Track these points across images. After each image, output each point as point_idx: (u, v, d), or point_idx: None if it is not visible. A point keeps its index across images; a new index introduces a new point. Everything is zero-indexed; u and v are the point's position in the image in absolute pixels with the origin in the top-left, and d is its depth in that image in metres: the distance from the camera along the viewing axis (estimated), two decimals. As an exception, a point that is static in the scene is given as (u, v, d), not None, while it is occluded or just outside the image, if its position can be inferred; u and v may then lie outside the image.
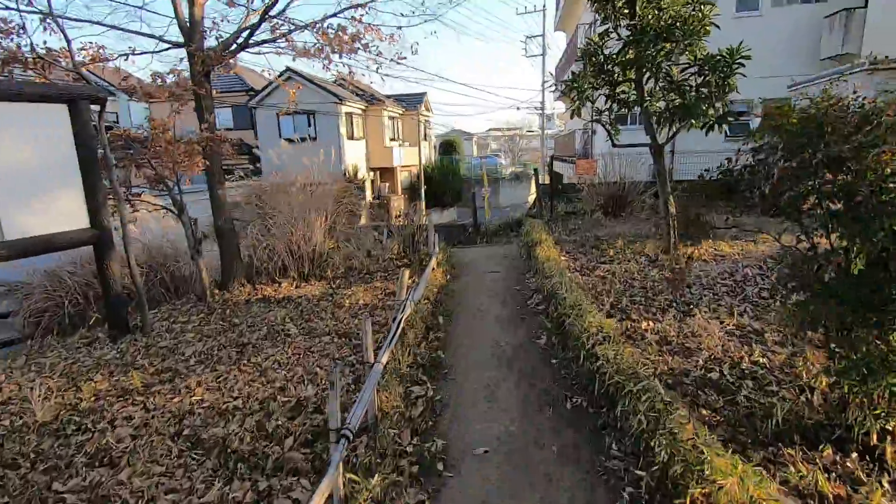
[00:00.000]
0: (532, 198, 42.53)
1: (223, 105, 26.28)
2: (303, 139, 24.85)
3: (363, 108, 26.77)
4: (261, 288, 7.50)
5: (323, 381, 4.54)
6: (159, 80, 7.08)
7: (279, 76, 24.50)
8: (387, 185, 28.78)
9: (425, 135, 32.28)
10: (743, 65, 7.40)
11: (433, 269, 7.76)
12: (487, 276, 8.31)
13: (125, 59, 7.77)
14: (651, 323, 5.71)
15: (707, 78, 7.42)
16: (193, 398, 4.37)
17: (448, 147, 41.67)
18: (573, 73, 8.37)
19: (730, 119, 7.40)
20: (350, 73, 10.05)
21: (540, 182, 13.34)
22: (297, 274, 7.79)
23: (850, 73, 11.14)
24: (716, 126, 7.49)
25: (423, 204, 29.47)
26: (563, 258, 8.41)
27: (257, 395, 4.36)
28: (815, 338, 4.56)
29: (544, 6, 29.84)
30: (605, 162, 13.20)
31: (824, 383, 4.06)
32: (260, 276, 7.81)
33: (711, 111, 7.35)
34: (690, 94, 7.48)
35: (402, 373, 4.45)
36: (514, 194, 41.83)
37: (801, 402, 4.03)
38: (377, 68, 8.78)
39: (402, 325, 4.96)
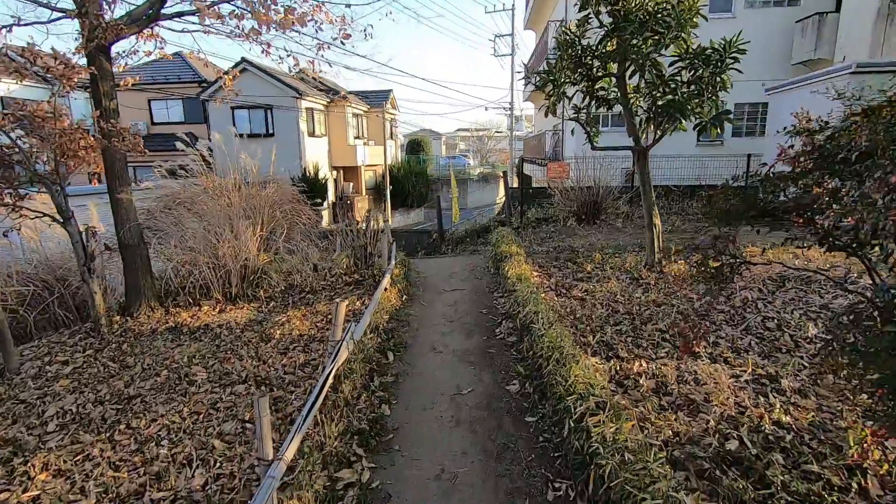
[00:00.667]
0: (501, 200, 41.69)
1: (173, 97, 24.37)
2: (259, 135, 23.19)
3: (325, 103, 25.26)
4: (175, 313, 6.13)
5: (219, 462, 3.29)
6: (29, 55, 5.59)
7: (233, 67, 22.82)
8: (350, 184, 27.34)
9: (391, 133, 30.94)
10: (738, 59, 6.46)
11: (386, 288, 6.55)
12: (450, 296, 7.16)
13: (8, 31, 6.22)
14: (644, 363, 4.66)
15: (699, 73, 6.45)
16: (27, 493, 3.05)
17: (415, 146, 40.40)
18: (549, 63, 7.29)
19: (726, 118, 6.43)
20: (296, 63, 8.71)
21: (509, 186, 12.24)
22: (222, 295, 6.44)
23: (836, 76, 10.48)
24: (708, 127, 6.52)
25: (389, 204, 28.15)
26: (535, 274, 7.33)
27: (120, 487, 3.08)
28: (863, 402, 3.59)
29: (513, 5, 28.93)
30: (578, 165, 12.25)
31: (885, 468, 3.07)
32: (176, 298, 6.43)
33: (706, 109, 6.37)
34: (682, 91, 6.48)
35: (327, 451, 3.24)
36: (482, 196, 40.92)
37: (853, 490, 3.02)
38: (321, 53, 7.48)
39: (333, 377, 3.75)
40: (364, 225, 8.35)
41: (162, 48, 7.29)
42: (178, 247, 6.62)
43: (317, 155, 24.27)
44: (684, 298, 6.05)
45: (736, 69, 6.38)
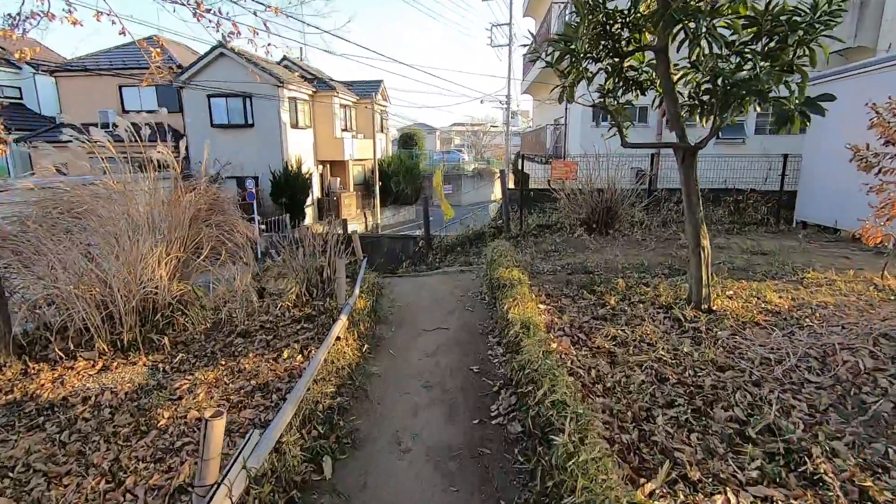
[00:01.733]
0: (496, 197, 39.68)
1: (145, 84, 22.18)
2: (237, 126, 21.15)
3: (310, 93, 23.19)
4: (37, 371, 4.24)
5: None
6: None
7: (208, 52, 20.75)
8: (338, 179, 25.33)
9: (382, 126, 28.90)
10: (831, 26, 4.58)
11: (339, 337, 4.62)
12: (431, 340, 5.28)
13: None
14: (735, 498, 2.83)
15: (780, 40, 4.56)
16: None
17: (408, 140, 38.35)
18: (568, 28, 5.36)
19: (820, 106, 4.51)
20: (236, 31, 6.74)
21: (507, 187, 10.32)
22: (108, 342, 4.53)
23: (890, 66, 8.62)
24: (794, 117, 4.62)
25: (378, 201, 26.19)
26: (542, 308, 5.48)
27: None
28: None
29: (512, -9, 26.84)
30: (586, 164, 10.36)
31: None
32: (46, 348, 4.52)
33: (793, 90, 4.46)
34: (760, 64, 4.57)
35: None
36: (476, 193, 38.95)
37: None
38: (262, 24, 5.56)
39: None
40: (324, 237, 6.44)
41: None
42: (48, 275, 4.69)
43: (300, 148, 22.25)
44: (759, 361, 4.18)
45: (831, 36, 4.49)
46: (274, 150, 21.00)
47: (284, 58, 24.74)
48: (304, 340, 4.90)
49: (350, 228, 25.55)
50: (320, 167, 24.40)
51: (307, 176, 21.69)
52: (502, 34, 30.00)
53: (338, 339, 4.49)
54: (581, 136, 13.25)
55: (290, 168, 20.92)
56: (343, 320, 4.70)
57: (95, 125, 19.69)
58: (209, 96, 20.76)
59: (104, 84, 22.25)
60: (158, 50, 6.87)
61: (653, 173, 10.67)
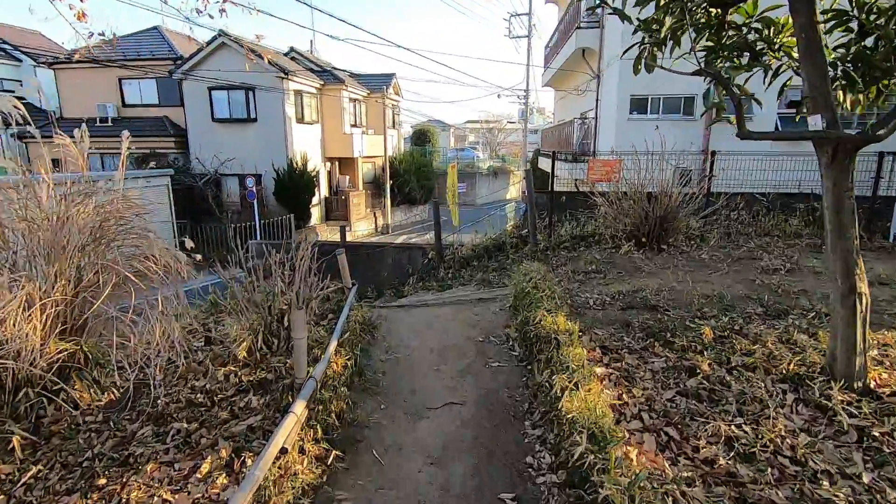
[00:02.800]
0: (512, 197, 37.67)
1: (146, 76, 20.65)
2: (239, 120, 19.47)
3: (318, 86, 21.42)
4: None
5: None
6: None
7: (209, 41, 19.08)
8: (347, 178, 23.59)
9: (394, 122, 27.07)
10: None
11: (288, 446, 2.79)
12: (435, 429, 3.37)
13: None
14: None
15: None
16: None
17: (421, 137, 36.49)
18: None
19: None
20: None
21: (532, 190, 8.38)
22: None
23: None
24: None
25: (388, 201, 24.42)
26: (600, 372, 3.65)
27: None
28: None
29: (532, -21, 24.77)
30: (630, 163, 8.42)
31: None
32: None
33: None
34: None
35: None
36: (492, 192, 36.98)
37: None
38: None
39: None
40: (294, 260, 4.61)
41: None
42: None
43: (307, 144, 20.52)
44: None
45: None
46: (278, 147, 19.29)
47: (292, 49, 23.01)
48: (242, 434, 3.09)
49: (361, 228, 23.87)
50: (328, 165, 22.67)
51: (313, 174, 19.96)
52: (521, 25, 27.90)
53: (284, 450, 2.66)
54: (616, 131, 11.29)
55: (294, 165, 19.21)
56: (296, 415, 2.86)
57: (95, 120, 18.04)
58: (210, 89, 19.11)
59: (104, 77, 20.74)
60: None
61: (709, 174, 8.68)
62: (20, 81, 23.46)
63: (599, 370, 3.77)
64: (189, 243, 4.53)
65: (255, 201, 17.20)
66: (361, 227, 23.25)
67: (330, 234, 21.46)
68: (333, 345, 3.82)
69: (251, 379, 3.72)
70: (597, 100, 12.47)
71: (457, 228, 16.12)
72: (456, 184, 13.56)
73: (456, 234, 16.07)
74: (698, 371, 3.71)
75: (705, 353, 3.98)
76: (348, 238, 21.62)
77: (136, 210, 4.01)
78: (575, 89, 13.99)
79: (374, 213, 24.42)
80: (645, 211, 7.15)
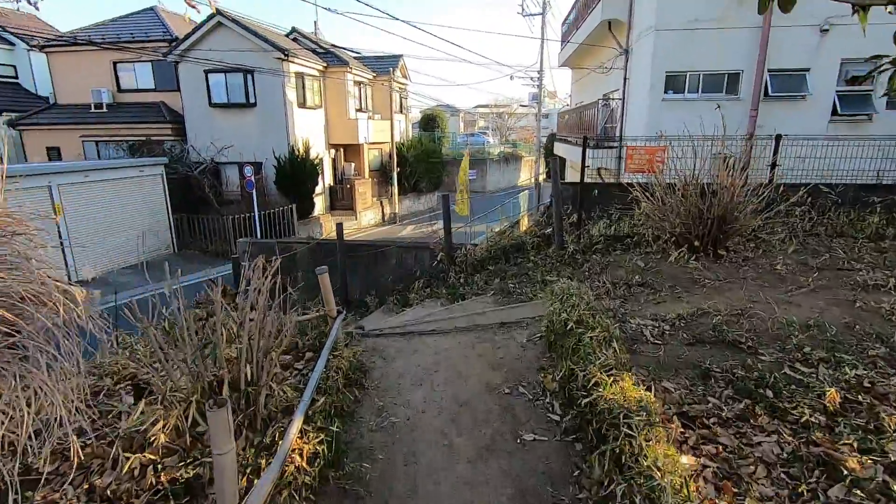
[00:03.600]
0: (523, 183, 36.10)
1: (141, 59, 19.36)
2: (238, 105, 18.15)
3: (321, 68, 19.99)
4: None
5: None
6: None
7: (206, 20, 17.69)
8: (352, 165, 22.25)
9: (401, 106, 25.59)
10: None
11: None
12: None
13: None
14: None
15: None
16: None
17: (430, 122, 34.94)
18: None
19: None
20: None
21: (559, 180, 6.97)
22: None
23: None
24: None
25: (396, 189, 23.09)
26: (686, 463, 2.41)
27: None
28: None
29: (547, -48, 22.88)
30: (672, 150, 7.03)
31: None
32: None
33: None
34: None
35: None
36: (503, 178, 35.50)
37: None
38: None
39: None
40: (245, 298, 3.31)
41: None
42: None
43: (309, 130, 19.18)
44: None
45: None
46: (279, 133, 17.99)
47: (293, 30, 21.51)
48: None
49: (367, 218, 22.56)
50: (332, 152, 21.34)
51: (316, 161, 18.66)
52: (535, 2, 26.07)
53: None
54: (648, 114, 9.82)
55: (296, 152, 17.92)
56: None
57: (89, 106, 16.70)
58: (206, 72, 17.77)
59: (98, 60, 19.49)
60: None
61: (773, 163, 7.23)
62: (14, 66, 22.29)
63: (686, 461, 2.49)
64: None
65: (255, 191, 15.96)
66: (368, 217, 21.99)
67: (334, 224, 20.24)
68: (296, 425, 2.56)
69: (176, 476, 2.48)
70: (624, 79, 10.98)
71: (468, 219, 14.81)
72: (467, 171, 12.21)
73: (467, 226, 14.76)
74: (842, 470, 2.41)
75: (840, 431, 2.68)
76: (353, 230, 20.39)
77: (12, 225, 2.72)
78: (601, 66, 12.48)
79: (381, 202, 23.13)
80: (699, 208, 5.78)
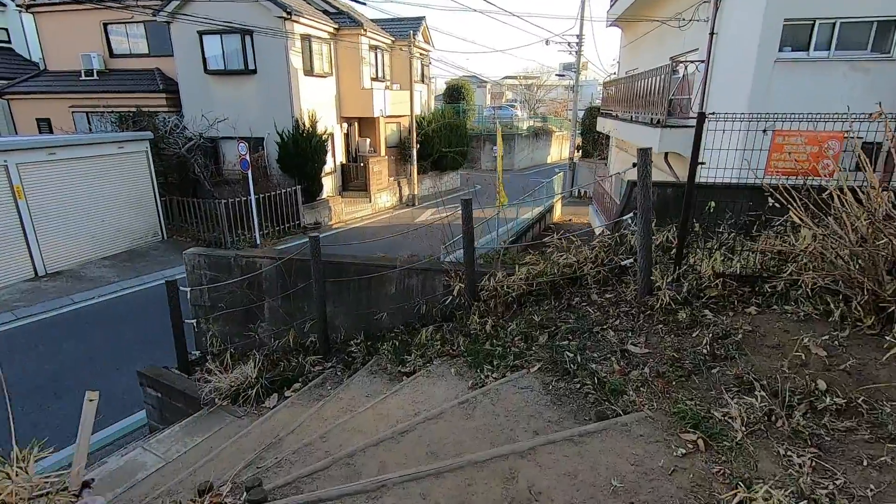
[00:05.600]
0: (553, 161, 32.76)
1: (133, 20, 16.94)
2: (236, 72, 15.63)
3: (331, 30, 17.22)
4: None
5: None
6: None
7: (196, -28, 15.03)
8: (367, 141, 19.67)
9: (423, 75, 22.68)
10: None
11: None
12: None
13: None
14: None
15: None
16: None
17: (455, 94, 31.86)
18: None
19: None
20: None
21: (649, 178, 4.16)
22: None
23: None
24: None
25: (415, 168, 20.45)
26: None
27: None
28: None
29: None
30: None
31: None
32: None
33: None
34: None
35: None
36: (531, 154, 32.41)
37: None
38: None
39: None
40: None
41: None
42: None
43: (318, 101, 16.60)
44: None
45: None
46: (282, 104, 15.50)
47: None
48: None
49: (383, 200, 19.93)
50: (345, 126, 18.76)
51: (324, 136, 16.16)
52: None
53: None
54: (753, 79, 6.91)
55: (301, 127, 15.42)
56: None
57: (80, 73, 14.26)
58: (200, 33, 15.27)
59: (88, 22, 17.17)
60: None
61: None
62: (6, 29, 20.17)
63: None
64: None
65: (251, 171, 13.59)
66: (383, 199, 19.52)
67: (347, 207, 17.84)
68: None
69: None
70: (711, 33, 8.01)
71: (499, 210, 12.17)
72: (501, 154, 9.56)
73: (496, 214, 12.09)
74: None
75: None
76: (366, 214, 17.85)
77: None
78: (677, 16, 9.45)
79: (398, 183, 20.59)
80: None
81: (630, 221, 4.70)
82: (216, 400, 4.91)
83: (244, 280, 5.66)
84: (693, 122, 4.07)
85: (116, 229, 12.80)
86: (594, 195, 15.69)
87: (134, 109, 15.47)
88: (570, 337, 4.15)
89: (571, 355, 3.80)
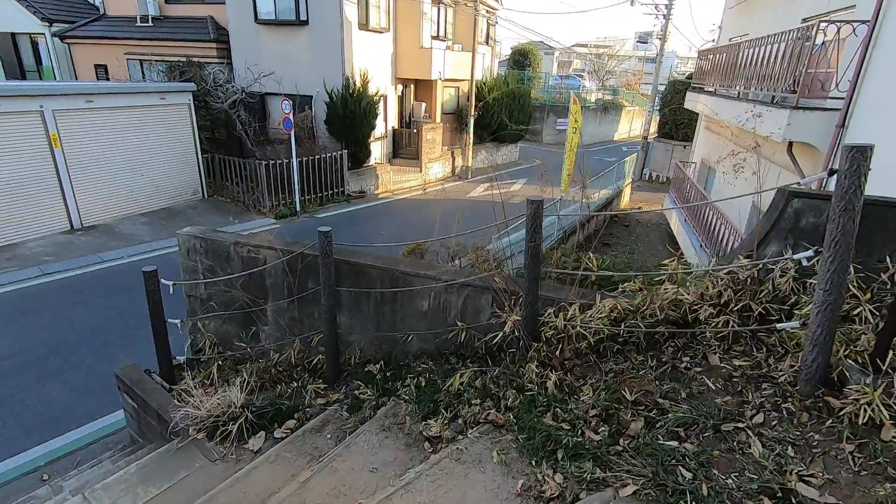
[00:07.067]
0: (621, 138, 29.77)
1: (187, -38, 15.87)
2: (287, 22, 14.35)
3: (391, -21, 15.50)
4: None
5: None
6: None
7: None
8: (422, 105, 18.11)
9: (487, 36, 20.59)
10: None
11: None
12: None
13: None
14: None
15: None
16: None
17: (521, 59, 29.39)
18: None
19: None
20: None
21: (856, 194, 2.38)
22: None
23: None
24: None
25: (471, 138, 18.75)
26: None
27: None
28: None
29: None
30: None
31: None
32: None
33: None
34: None
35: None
36: (598, 129, 29.73)
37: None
38: None
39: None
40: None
41: None
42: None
43: (371, 59, 15.12)
44: None
45: None
46: (333, 61, 14.15)
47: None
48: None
49: (434, 171, 18.24)
50: (399, 87, 17.24)
51: (376, 98, 14.75)
52: None
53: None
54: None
55: (352, 86, 14.06)
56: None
57: (135, 19, 13.46)
58: (252, -22, 14.00)
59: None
60: None
61: None
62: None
63: None
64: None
65: (293, 132, 12.48)
66: (435, 170, 18.06)
67: (396, 176, 16.53)
68: None
69: None
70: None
71: (561, 197, 10.50)
72: (574, 129, 7.99)
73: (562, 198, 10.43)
74: None
75: None
76: (415, 185, 16.41)
77: None
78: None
79: (452, 153, 19.00)
80: None
81: (786, 251, 3.01)
82: (190, 430, 3.79)
83: (241, 277, 4.45)
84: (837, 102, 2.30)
85: (155, 185, 12.13)
86: (673, 182, 13.53)
87: (184, 59, 14.61)
88: (683, 433, 2.64)
89: (689, 476, 2.33)
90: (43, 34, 17.33)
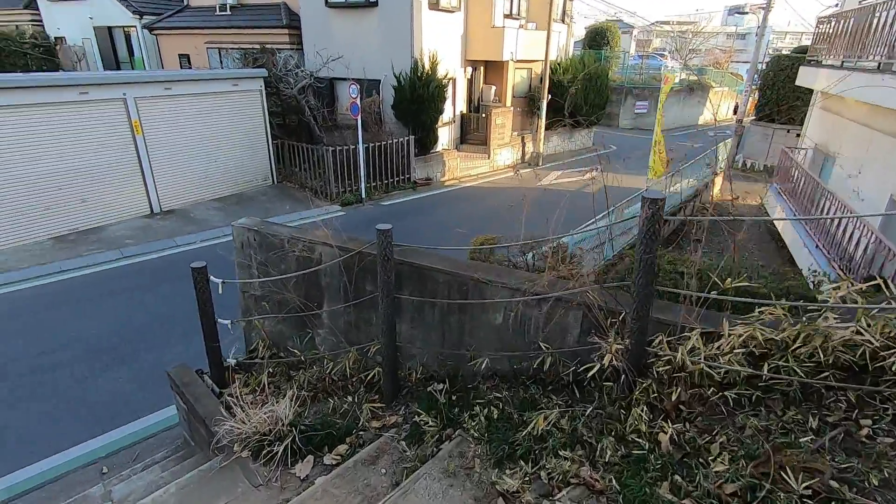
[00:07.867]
0: (705, 123, 27.17)
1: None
2: (356, 5, 13.97)
3: (463, -45, 14.64)
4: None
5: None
6: None
7: None
8: (492, 89, 17.23)
9: (563, 13, 19.19)
10: None
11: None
12: None
13: None
14: None
15: None
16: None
17: (597, 39, 27.48)
18: None
19: None
20: None
21: None
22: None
23: None
24: None
25: (543, 123, 17.64)
26: None
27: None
28: None
29: None
30: None
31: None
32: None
33: None
34: None
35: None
36: (681, 112, 27.31)
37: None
38: None
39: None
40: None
41: None
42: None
43: (441, 40, 14.44)
44: None
45: None
46: (401, 43, 13.62)
47: None
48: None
49: (503, 157, 17.25)
50: (469, 70, 16.44)
51: (445, 81, 14.08)
52: None
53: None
54: None
55: (420, 70, 13.48)
56: None
57: (214, 8, 13.73)
58: (324, -40, 13.71)
59: (223, -47, 16.59)
60: None
61: None
62: None
63: None
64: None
65: (359, 117, 12.13)
66: (503, 157, 17.19)
67: (463, 163, 15.85)
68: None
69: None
70: None
71: (648, 184, 9.37)
72: (661, 115, 7.00)
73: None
74: None
75: None
76: (483, 172, 15.59)
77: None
78: None
79: (522, 138, 17.99)
80: None
81: None
82: (234, 447, 3.39)
83: (294, 278, 4.00)
84: None
85: (227, 170, 12.29)
86: (778, 172, 11.79)
87: (258, 46, 14.71)
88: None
89: None
90: (134, 26, 18.24)
